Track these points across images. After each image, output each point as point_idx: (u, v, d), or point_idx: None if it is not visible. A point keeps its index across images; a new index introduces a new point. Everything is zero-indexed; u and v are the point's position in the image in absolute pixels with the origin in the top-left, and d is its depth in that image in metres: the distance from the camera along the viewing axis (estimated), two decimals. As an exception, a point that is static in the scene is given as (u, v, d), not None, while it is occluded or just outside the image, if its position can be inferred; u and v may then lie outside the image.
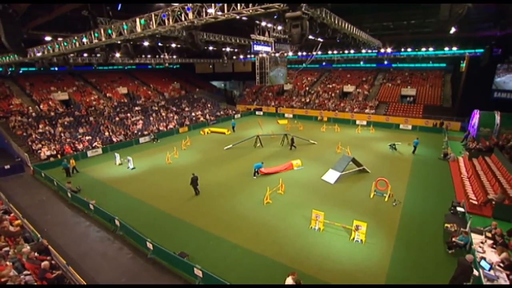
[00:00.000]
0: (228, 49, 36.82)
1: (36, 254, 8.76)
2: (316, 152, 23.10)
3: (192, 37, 10.51)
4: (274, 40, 21.53)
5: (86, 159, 22.64)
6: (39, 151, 23.02)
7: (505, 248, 9.35)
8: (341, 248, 10.75)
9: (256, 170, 18.14)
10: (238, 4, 9.07)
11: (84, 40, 13.47)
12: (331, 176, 17.21)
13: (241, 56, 47.68)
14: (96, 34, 12.15)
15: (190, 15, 9.80)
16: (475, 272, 8.35)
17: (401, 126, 31.05)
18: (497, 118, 22.67)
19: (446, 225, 11.23)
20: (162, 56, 32.17)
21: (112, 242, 11.85)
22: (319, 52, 35.00)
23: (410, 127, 30.53)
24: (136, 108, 35.33)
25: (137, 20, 10.94)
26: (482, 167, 17.09)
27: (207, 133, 31.32)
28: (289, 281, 8.18)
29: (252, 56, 47.60)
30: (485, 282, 8.11)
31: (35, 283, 7.38)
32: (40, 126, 26.72)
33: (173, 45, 29.91)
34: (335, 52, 39.13)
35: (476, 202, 13.11)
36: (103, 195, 16.04)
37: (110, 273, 10.00)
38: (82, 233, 12.55)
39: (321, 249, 10.72)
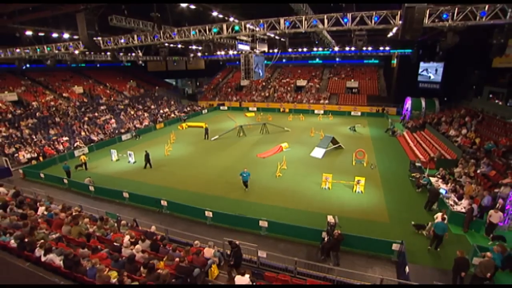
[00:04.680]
0: (194, 46, 37.89)
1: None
2: (293, 137, 26.94)
3: (283, 44, 13.75)
4: (258, 40, 24.28)
5: (74, 159, 21.99)
6: (15, 155, 21.46)
7: (450, 182, 14.48)
8: (350, 198, 14.61)
9: (245, 181, 15.71)
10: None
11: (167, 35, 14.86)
12: (318, 152, 21.15)
13: (199, 54, 48.90)
14: (174, 33, 13.47)
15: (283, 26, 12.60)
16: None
17: (352, 113, 37.37)
18: (423, 103, 29.99)
19: (412, 174, 16.15)
20: (138, 54, 31.77)
21: (163, 219, 13.39)
22: (275, 50, 39.12)
23: (359, 113, 37.04)
24: (102, 107, 34.05)
25: (224, 25, 12.90)
26: (421, 138, 23.24)
27: (185, 128, 32.46)
28: (440, 219, 9.80)
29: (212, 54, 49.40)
30: (445, 200, 12.81)
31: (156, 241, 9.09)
32: (2, 129, 24.37)
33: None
34: (290, 50, 43.84)
35: (424, 160, 18.54)
36: (121, 187, 16.57)
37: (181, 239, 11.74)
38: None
39: (337, 200, 14.40)
